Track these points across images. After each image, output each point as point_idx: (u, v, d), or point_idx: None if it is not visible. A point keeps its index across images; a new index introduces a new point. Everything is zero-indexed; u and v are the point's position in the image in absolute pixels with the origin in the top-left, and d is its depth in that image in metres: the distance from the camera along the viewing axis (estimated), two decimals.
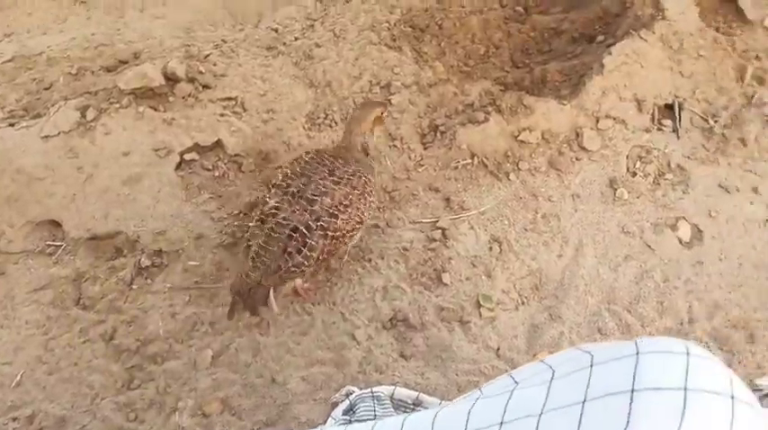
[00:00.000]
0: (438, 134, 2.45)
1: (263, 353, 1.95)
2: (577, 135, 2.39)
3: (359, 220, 1.91)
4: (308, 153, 2.00)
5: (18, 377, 1.97)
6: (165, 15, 3.51)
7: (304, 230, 1.80)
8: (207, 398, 1.87)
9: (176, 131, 2.50)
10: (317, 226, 1.81)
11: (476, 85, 2.65)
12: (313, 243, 1.81)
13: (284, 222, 1.82)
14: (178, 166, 2.44)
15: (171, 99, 2.63)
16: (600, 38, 2.80)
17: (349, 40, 2.93)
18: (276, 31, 3.19)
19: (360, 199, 1.90)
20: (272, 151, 2.47)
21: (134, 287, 2.15)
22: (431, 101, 2.61)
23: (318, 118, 2.60)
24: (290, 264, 1.81)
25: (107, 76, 2.99)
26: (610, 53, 2.52)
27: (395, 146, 2.45)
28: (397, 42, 2.89)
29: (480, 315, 2.01)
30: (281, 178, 1.94)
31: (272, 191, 1.92)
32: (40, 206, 2.33)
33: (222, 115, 2.58)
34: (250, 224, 1.93)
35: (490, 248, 2.14)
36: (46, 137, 2.48)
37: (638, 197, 2.26)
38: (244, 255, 1.91)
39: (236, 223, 2.27)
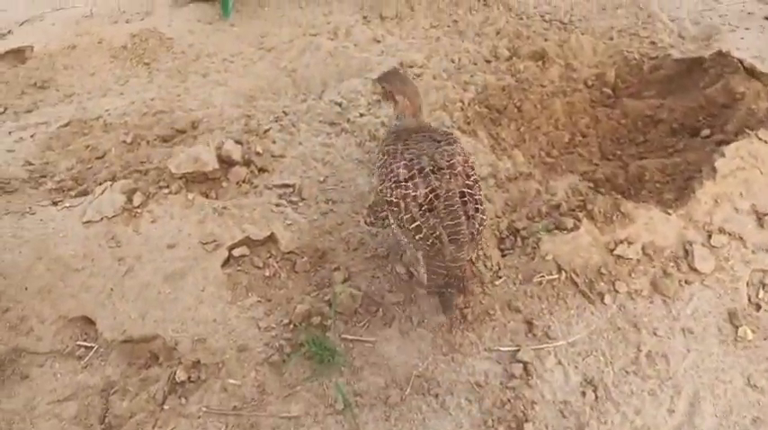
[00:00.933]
0: (518, 239, 2.14)
1: None
2: (686, 252, 2.03)
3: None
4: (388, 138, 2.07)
5: None
6: (227, 82, 3.38)
7: (469, 191, 1.85)
8: None
9: (227, 222, 2.28)
10: (473, 182, 1.88)
11: (561, 180, 2.34)
12: (480, 197, 1.88)
13: (450, 194, 1.82)
14: (225, 262, 2.20)
15: (224, 184, 2.43)
16: (705, 131, 2.45)
17: None
18: (340, 105, 2.99)
19: (466, 163, 1.93)
20: (330, 250, 2.21)
21: (166, 407, 1.89)
22: (510, 197, 2.31)
23: (383, 211, 2.33)
24: (476, 226, 1.82)
25: (161, 149, 2.83)
26: (722, 154, 2.17)
27: None
28: (472, 125, 2.63)
29: None
30: (389, 168, 1.92)
31: (404, 179, 1.87)
32: (75, 300, 2.13)
33: (277, 205, 2.35)
34: (416, 219, 1.82)
35: (583, 393, 1.78)
36: (88, 222, 2.30)
37: (765, 339, 1.86)
38: (434, 247, 1.81)
39: (284, 336, 2.00)
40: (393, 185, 1.87)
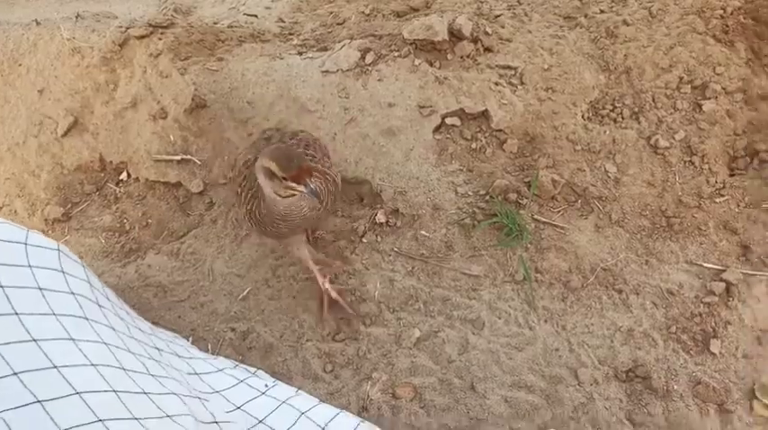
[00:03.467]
0: (755, 161, 1.92)
1: (470, 354, 1.76)
2: None
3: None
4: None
5: (245, 292, 2.08)
6: None
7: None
8: (401, 379, 1.76)
9: (445, 92, 2.36)
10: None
11: None
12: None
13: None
14: (437, 128, 2.30)
15: (449, 57, 2.49)
16: None
17: (667, 22, 2.44)
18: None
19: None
20: (540, 136, 2.19)
21: (364, 241, 2.11)
22: (757, 117, 2.04)
23: (604, 108, 2.22)
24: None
25: (395, 21, 2.97)
26: None
27: (691, 162, 1.98)
28: (730, 36, 2.32)
29: (752, 409, 1.54)
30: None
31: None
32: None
33: (496, 83, 2.36)
34: None
35: None
36: (326, 71, 2.53)
37: None
38: None
39: (479, 204, 2.07)
40: None
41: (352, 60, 2.53)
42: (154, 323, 1.93)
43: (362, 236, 2.13)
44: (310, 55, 2.69)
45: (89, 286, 1.55)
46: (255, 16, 3.30)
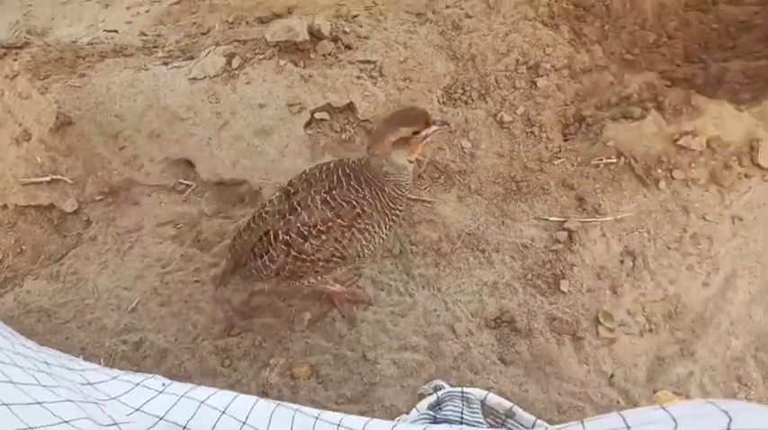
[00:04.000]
0: (583, 126, 2.21)
1: (359, 327, 1.90)
2: (752, 148, 2.03)
3: (338, 254, 1.63)
4: (332, 161, 1.74)
5: (134, 303, 2.09)
6: None
7: (271, 238, 1.64)
8: (298, 361, 1.86)
9: (312, 89, 2.49)
10: (283, 239, 1.62)
11: (637, 76, 2.35)
12: (273, 254, 1.64)
13: (263, 220, 1.68)
14: (308, 124, 2.43)
15: (312, 56, 2.62)
16: None
17: (503, 12, 2.73)
18: None
19: (343, 232, 1.59)
20: None
21: None
22: (581, 88, 2.36)
23: (456, 92, 2.46)
24: (251, 265, 1.71)
25: (259, 27, 3.06)
26: None
27: (531, 132, 2.25)
28: (555, 20, 2.64)
29: (597, 333, 1.80)
30: (295, 178, 1.74)
31: (281, 188, 1.76)
32: (179, 145, 2.44)
33: (358, 77, 2.53)
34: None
35: (621, 261, 1.90)
36: (193, 79, 2.58)
37: None
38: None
39: None
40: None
41: (219, 66, 2.60)
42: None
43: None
44: (176, 64, 2.71)
45: None
46: (116, 32, 3.25)
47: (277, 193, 1.74)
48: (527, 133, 2.23)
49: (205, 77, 2.57)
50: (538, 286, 1.88)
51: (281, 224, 1.63)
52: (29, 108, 2.48)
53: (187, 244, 2.23)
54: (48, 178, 2.36)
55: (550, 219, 2.03)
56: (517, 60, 2.47)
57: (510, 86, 2.39)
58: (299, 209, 1.61)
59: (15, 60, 2.63)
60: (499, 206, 2.08)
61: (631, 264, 1.89)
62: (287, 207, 1.64)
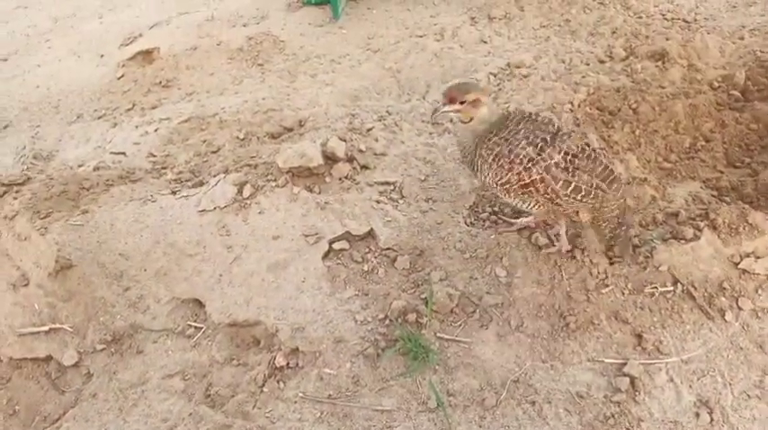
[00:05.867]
0: (630, 248, 2.01)
1: None
2: None
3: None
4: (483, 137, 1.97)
5: None
6: (333, 82, 3.47)
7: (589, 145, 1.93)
8: None
9: (329, 217, 2.33)
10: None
11: (680, 187, 2.18)
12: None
13: (581, 149, 1.89)
14: (326, 255, 2.25)
15: (327, 180, 2.49)
16: None
17: None
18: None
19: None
20: (428, 248, 2.20)
21: (265, 390, 1.96)
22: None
23: (483, 211, 2.29)
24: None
25: (270, 145, 2.96)
26: None
27: (573, 257, 2.05)
28: (582, 128, 2.51)
29: None
30: (510, 156, 1.90)
31: (536, 155, 1.86)
32: (187, 283, 2.26)
33: (378, 202, 2.37)
34: (571, 182, 1.84)
35: (696, 414, 1.65)
36: (202, 211, 2.44)
37: None
38: (598, 197, 1.88)
39: (380, 329, 2.01)
40: (526, 166, 1.84)
41: (229, 196, 2.46)
42: None
43: (263, 385, 1.98)
44: (185, 193, 2.59)
45: None
46: (124, 154, 3.18)
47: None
48: (568, 257, 2.03)
49: (215, 208, 2.43)
50: None
51: (576, 142, 1.88)
52: (27, 250, 2.33)
53: (196, 399, 2.00)
54: (46, 327, 2.17)
55: (606, 360, 1.79)
56: None
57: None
58: (561, 134, 1.90)
59: (15, 199, 2.53)
60: (545, 345, 1.86)
61: (708, 417, 1.63)
62: (556, 141, 1.86)
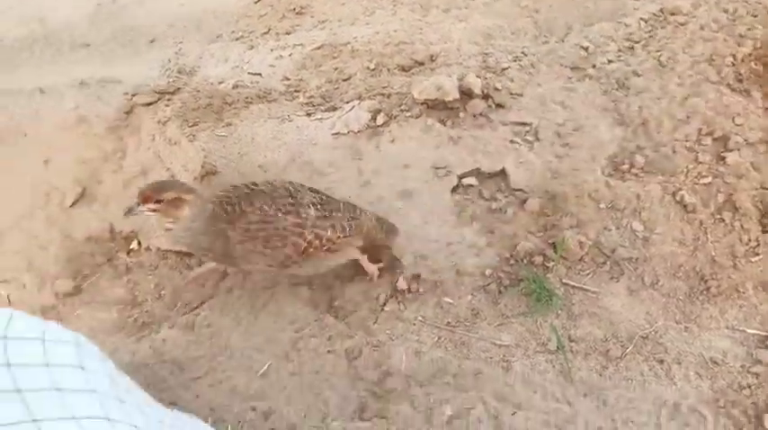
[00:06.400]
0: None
1: None
2: None
3: None
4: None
5: (265, 367, 1.99)
6: (467, 18, 3.38)
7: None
8: None
9: (461, 151, 2.32)
10: None
11: None
12: None
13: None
14: (454, 189, 2.26)
15: (461, 115, 2.47)
16: None
17: (678, 71, 2.43)
18: (586, 49, 2.82)
19: None
20: (561, 194, 2.14)
21: (386, 309, 2.04)
22: None
23: (624, 163, 2.19)
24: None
25: (401, 77, 2.96)
26: None
27: (721, 219, 1.93)
28: (744, 84, 2.31)
29: None
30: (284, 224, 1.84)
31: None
32: None
33: (512, 142, 2.33)
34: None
35: None
36: (336, 134, 2.50)
37: None
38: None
39: (503, 268, 2.01)
40: (299, 233, 1.81)
41: (363, 122, 2.51)
42: (171, 403, 1.84)
43: (384, 304, 2.06)
44: (319, 116, 2.66)
45: (109, 380, 1.47)
46: (260, 75, 3.30)
47: None
48: (715, 219, 1.92)
49: (348, 132, 2.49)
50: (734, 417, 1.56)
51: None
52: (177, 154, 2.52)
53: (321, 309, 2.12)
54: None
55: (748, 331, 1.69)
56: (700, 130, 2.17)
57: (692, 160, 2.09)
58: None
59: (167, 106, 2.71)
60: (681, 307, 1.79)
61: None
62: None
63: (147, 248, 2.39)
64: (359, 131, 2.48)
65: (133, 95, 2.68)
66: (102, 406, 1.37)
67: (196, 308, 2.23)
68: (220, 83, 3.22)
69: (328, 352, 1.99)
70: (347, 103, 2.71)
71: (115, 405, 1.41)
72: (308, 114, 2.71)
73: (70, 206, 2.46)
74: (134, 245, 2.41)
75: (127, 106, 2.64)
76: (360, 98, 2.68)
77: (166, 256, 2.37)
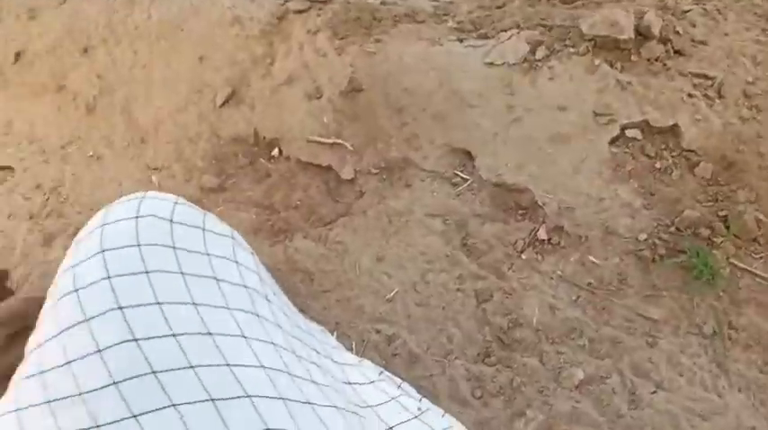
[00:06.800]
0: None
1: (643, 411, 1.60)
2: None
3: None
4: None
5: (392, 293, 2.01)
6: None
7: None
8: (559, 424, 1.62)
9: (628, 99, 2.12)
10: None
11: None
12: None
13: None
14: (614, 140, 2.08)
15: (634, 58, 2.23)
16: None
17: None
18: None
19: None
20: (741, 162, 1.92)
21: (523, 257, 1.97)
22: None
23: None
24: None
25: (562, 9, 2.71)
26: None
27: None
28: None
29: None
30: None
31: None
32: (462, 132, 2.26)
33: (690, 95, 2.09)
34: None
35: None
36: (490, 63, 2.35)
37: None
38: None
39: (661, 235, 1.86)
40: None
41: (521, 54, 2.33)
42: (301, 311, 1.91)
43: (521, 252, 1.98)
44: (472, 43, 2.51)
45: (258, 279, 1.52)
46: None
47: None
48: None
49: (503, 64, 2.33)
50: None
51: None
52: (324, 66, 2.49)
53: (453, 244, 2.08)
54: (331, 140, 2.36)
55: None
56: None
57: None
58: None
59: (319, 16, 2.64)
60: None
61: None
62: None
63: (288, 157, 2.43)
64: (514, 64, 2.31)
65: (286, 1, 2.64)
66: (252, 302, 1.41)
67: (329, 223, 2.26)
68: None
69: (457, 289, 1.97)
70: (501, 32, 2.53)
71: (264, 303, 1.46)
72: (460, 40, 2.55)
73: (220, 106, 2.52)
74: (275, 152, 2.45)
75: (280, 11, 2.61)
76: (518, 27, 2.49)
77: (305, 168, 2.40)
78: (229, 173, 2.44)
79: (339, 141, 2.36)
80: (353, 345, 1.91)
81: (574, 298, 1.84)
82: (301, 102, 2.47)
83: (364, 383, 1.63)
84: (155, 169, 2.52)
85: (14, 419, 1.04)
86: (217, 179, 2.41)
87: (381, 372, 1.75)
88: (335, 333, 1.95)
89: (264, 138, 2.47)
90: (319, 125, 2.40)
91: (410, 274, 2.05)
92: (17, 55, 3.07)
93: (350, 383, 1.61)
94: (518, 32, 2.43)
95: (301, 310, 1.92)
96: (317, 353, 1.62)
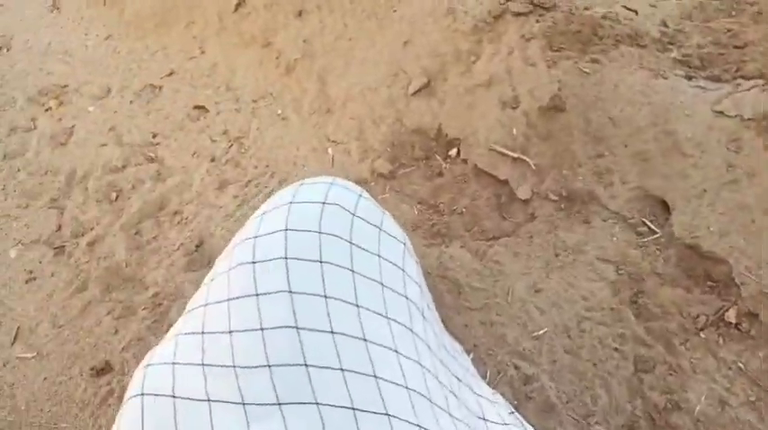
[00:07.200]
0: None
1: None
2: None
3: None
4: None
5: (541, 332, 1.88)
6: None
7: None
8: None
9: None
10: None
11: None
12: None
13: None
14: None
15: None
16: None
17: None
18: None
19: None
20: None
21: (701, 335, 1.74)
22: None
23: None
24: None
25: None
26: None
27: None
28: None
29: None
30: None
31: None
32: (664, 180, 2.05)
33: None
34: None
35: None
36: (719, 112, 2.09)
37: None
38: None
39: None
40: None
41: (761, 109, 2.03)
42: (442, 321, 1.85)
43: (701, 329, 1.75)
44: (702, 83, 2.24)
45: (419, 290, 1.48)
46: (636, 12, 2.89)
47: None
48: None
49: (736, 116, 2.05)
50: None
51: None
52: (529, 77, 2.37)
53: (622, 298, 1.89)
54: (515, 154, 2.25)
55: None
56: None
57: None
58: None
59: (538, 22, 2.52)
60: None
61: None
62: None
63: (465, 161, 2.36)
64: (749, 119, 2.03)
65: (507, 1, 2.54)
66: (410, 317, 1.37)
67: (491, 239, 2.17)
68: (586, 9, 2.91)
69: (615, 349, 1.79)
70: (740, 78, 2.23)
71: (419, 319, 1.41)
72: (689, 77, 2.30)
73: (412, 94, 2.51)
74: (453, 152, 2.40)
75: (498, 10, 2.53)
76: (762, 78, 2.18)
77: (480, 176, 2.31)
78: (402, 162, 2.43)
79: (523, 157, 2.24)
80: (488, 374, 1.82)
81: (752, 398, 1.58)
82: (494, 108, 2.38)
83: (498, 423, 1.54)
84: (333, 142, 2.58)
85: (170, 371, 1.09)
86: (390, 165, 2.41)
87: (512, 412, 1.64)
88: (471, 354, 1.87)
89: (446, 135, 2.42)
90: (507, 136, 2.30)
91: (565, 317, 1.90)
92: (237, 5, 3.29)
93: (484, 420, 1.52)
94: (764, 84, 2.13)
95: (442, 320, 1.87)
96: (459, 380, 1.55)
